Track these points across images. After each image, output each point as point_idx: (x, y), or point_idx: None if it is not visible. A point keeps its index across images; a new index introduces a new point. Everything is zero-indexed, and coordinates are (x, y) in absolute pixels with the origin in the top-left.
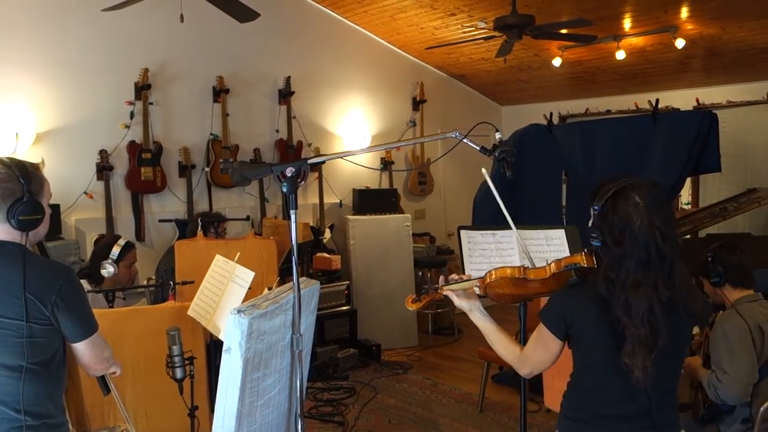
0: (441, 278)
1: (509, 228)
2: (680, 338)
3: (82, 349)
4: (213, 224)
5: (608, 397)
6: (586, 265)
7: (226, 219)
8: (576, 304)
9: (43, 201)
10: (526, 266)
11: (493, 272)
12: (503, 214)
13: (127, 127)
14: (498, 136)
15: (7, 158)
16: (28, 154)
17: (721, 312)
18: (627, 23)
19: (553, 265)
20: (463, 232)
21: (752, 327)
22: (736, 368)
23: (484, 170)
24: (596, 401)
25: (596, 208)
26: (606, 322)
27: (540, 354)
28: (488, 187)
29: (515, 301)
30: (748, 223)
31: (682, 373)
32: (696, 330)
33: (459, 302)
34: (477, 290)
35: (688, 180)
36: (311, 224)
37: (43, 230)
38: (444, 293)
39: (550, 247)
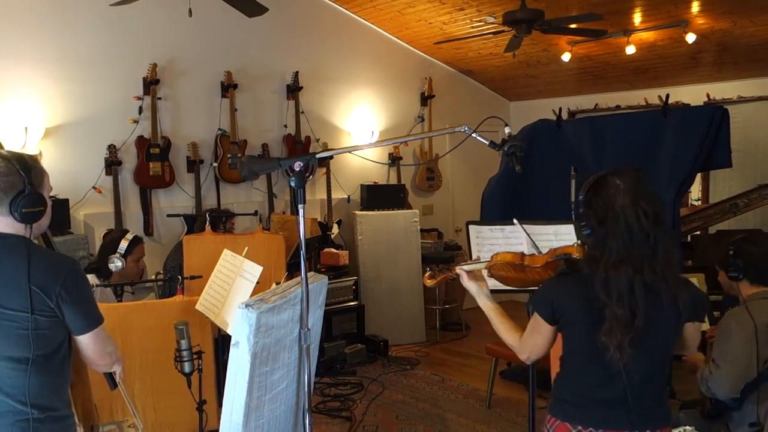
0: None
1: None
2: (662, 324)
3: (85, 342)
4: (221, 219)
5: (588, 380)
6: (576, 256)
7: (235, 214)
8: (561, 290)
9: (44, 193)
10: (524, 253)
11: (497, 256)
12: (513, 209)
13: (136, 122)
14: (507, 130)
15: (6, 151)
16: (37, 148)
17: (730, 308)
18: (637, 18)
19: (549, 253)
20: (471, 227)
21: (759, 326)
22: (730, 363)
23: (515, 221)
24: (578, 383)
25: (581, 196)
26: (587, 305)
27: (535, 338)
28: (496, 182)
29: (516, 285)
30: (759, 219)
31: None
32: (706, 326)
33: (467, 283)
34: (485, 273)
35: (699, 176)
36: (319, 220)
37: (45, 222)
38: (456, 272)
39: (559, 242)
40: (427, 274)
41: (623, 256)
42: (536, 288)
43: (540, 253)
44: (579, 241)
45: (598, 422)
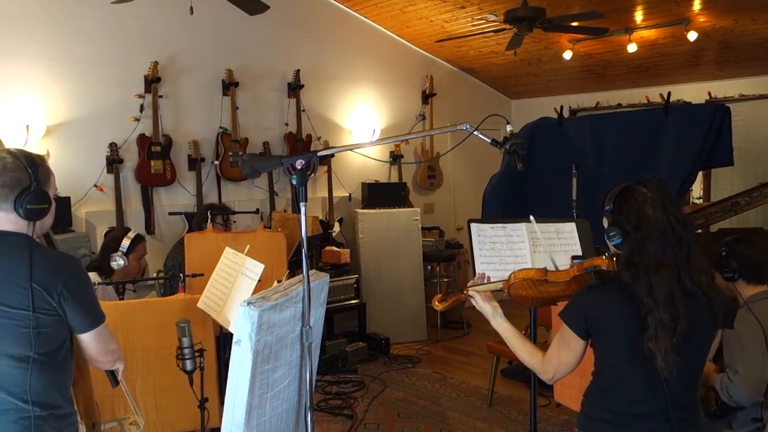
0: (471, 281)
1: (519, 221)
2: (701, 330)
3: (87, 340)
4: (223, 217)
5: (628, 394)
6: (606, 268)
7: (234, 212)
8: (597, 302)
9: (49, 191)
10: (547, 269)
11: (518, 273)
12: (514, 207)
13: (137, 120)
14: (509, 128)
15: (14, 149)
16: (38, 146)
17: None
18: (639, 16)
19: (574, 267)
20: (473, 226)
21: (765, 326)
22: (748, 367)
23: (532, 218)
24: (616, 399)
25: (608, 207)
26: (627, 316)
27: (563, 355)
28: (498, 180)
29: (537, 303)
30: (761, 217)
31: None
32: None
33: (482, 305)
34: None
35: (700, 174)
36: (320, 218)
37: (49, 221)
38: (469, 293)
39: (560, 240)
40: (437, 297)
41: (661, 260)
42: (552, 304)
43: (555, 265)
44: (608, 253)
45: None
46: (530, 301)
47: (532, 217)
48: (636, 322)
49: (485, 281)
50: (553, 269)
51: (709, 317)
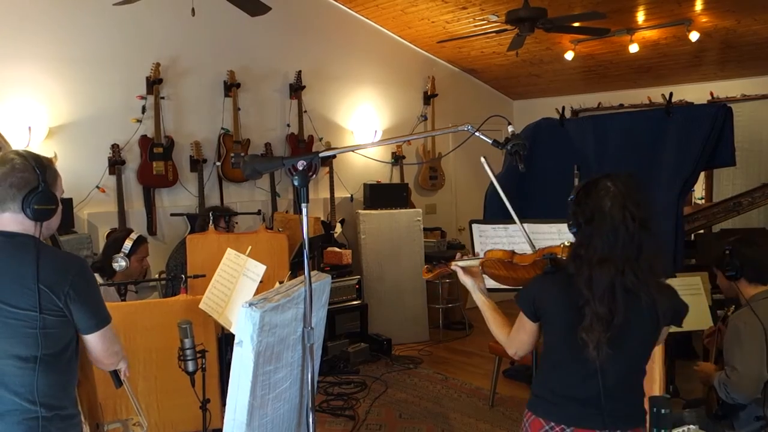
0: (458, 254)
1: (521, 222)
2: (639, 328)
3: (93, 341)
4: (224, 218)
5: (564, 378)
6: (560, 256)
7: (236, 213)
8: (543, 288)
9: (56, 193)
10: (515, 251)
11: (489, 252)
12: (515, 208)
13: (139, 121)
14: (510, 129)
15: (22, 150)
16: (41, 148)
17: (733, 307)
18: (640, 16)
19: (537, 252)
20: (474, 226)
21: (767, 326)
22: (745, 364)
23: (483, 159)
24: (554, 381)
25: (572, 197)
26: (568, 304)
27: (520, 335)
28: (499, 181)
29: (508, 283)
30: (763, 217)
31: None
32: (705, 325)
33: (463, 278)
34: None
35: (702, 174)
36: (322, 219)
37: (55, 223)
38: (452, 267)
39: (562, 240)
40: (425, 267)
41: (606, 255)
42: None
43: (534, 251)
44: (566, 242)
45: (570, 420)
46: (502, 280)
47: (516, 219)
48: (575, 312)
49: (469, 258)
50: (521, 253)
51: (649, 317)
